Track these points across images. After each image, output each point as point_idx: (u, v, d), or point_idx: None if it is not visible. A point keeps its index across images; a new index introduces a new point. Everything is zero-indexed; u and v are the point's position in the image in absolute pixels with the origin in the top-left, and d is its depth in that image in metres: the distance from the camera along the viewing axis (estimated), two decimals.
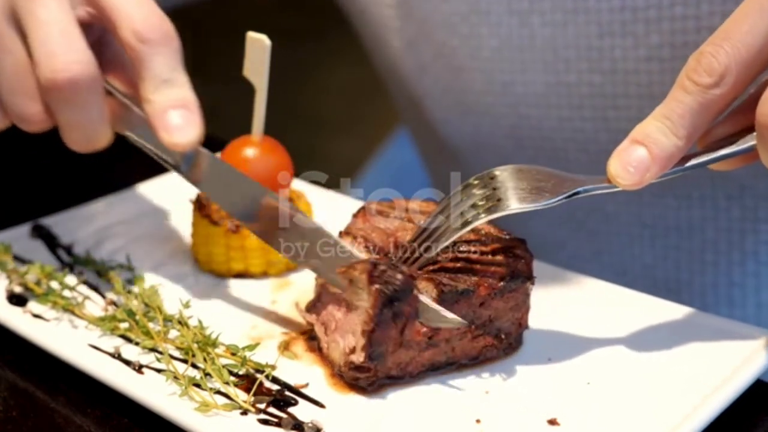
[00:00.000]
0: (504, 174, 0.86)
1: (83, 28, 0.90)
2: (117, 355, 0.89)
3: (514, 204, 0.84)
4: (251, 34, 1.01)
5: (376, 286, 0.83)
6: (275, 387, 0.86)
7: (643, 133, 0.81)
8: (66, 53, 0.85)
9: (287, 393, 0.85)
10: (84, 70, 0.85)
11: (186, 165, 0.94)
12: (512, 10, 1.13)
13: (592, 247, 1.26)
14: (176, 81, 0.88)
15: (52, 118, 0.89)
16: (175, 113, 0.88)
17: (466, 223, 0.85)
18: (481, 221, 0.85)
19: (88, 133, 0.89)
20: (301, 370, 0.89)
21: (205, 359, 0.87)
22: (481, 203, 0.85)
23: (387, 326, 0.84)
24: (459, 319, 0.85)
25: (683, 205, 1.18)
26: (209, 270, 1.05)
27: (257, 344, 0.90)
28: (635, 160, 0.81)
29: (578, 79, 1.14)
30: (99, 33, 0.94)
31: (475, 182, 0.87)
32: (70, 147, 0.91)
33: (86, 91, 0.86)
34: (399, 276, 0.84)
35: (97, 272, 1.02)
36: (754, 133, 0.80)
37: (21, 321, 0.93)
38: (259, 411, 0.83)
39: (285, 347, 0.92)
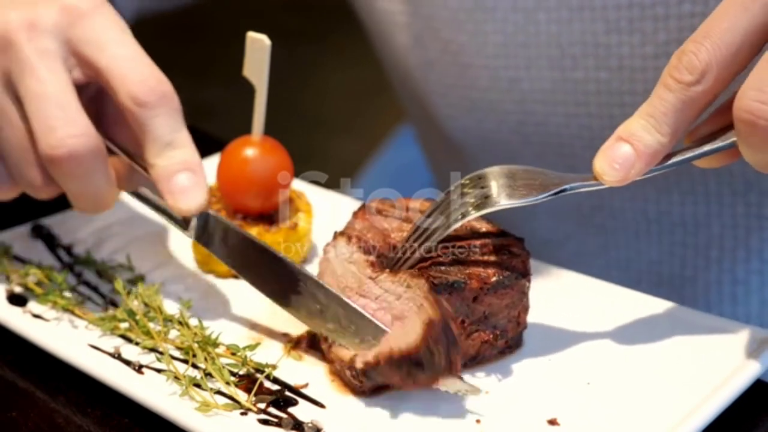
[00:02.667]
0: (493, 173, 0.87)
1: (82, 87, 0.90)
2: (117, 355, 0.89)
3: (503, 200, 0.85)
4: (251, 34, 1.01)
5: (427, 344, 0.81)
6: (275, 387, 0.86)
7: (627, 131, 0.82)
8: (63, 127, 0.85)
9: (287, 393, 0.85)
10: (83, 143, 0.85)
11: (194, 227, 0.92)
12: (517, 7, 1.14)
13: (598, 243, 1.27)
14: (179, 142, 0.88)
15: (56, 187, 0.90)
16: (180, 177, 0.88)
17: (456, 220, 0.86)
18: (471, 217, 0.86)
19: (95, 199, 0.90)
20: (301, 370, 0.89)
21: (205, 359, 0.88)
22: (471, 201, 0.86)
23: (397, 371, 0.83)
24: (477, 387, 0.84)
25: (688, 201, 1.19)
26: (209, 270, 1.05)
27: (257, 344, 0.90)
28: (620, 156, 0.82)
29: (585, 76, 1.14)
30: (99, 88, 0.93)
31: (467, 182, 0.88)
32: (80, 211, 0.92)
33: (87, 162, 0.86)
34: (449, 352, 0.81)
35: (97, 272, 1.02)
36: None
37: (21, 321, 0.93)
38: (259, 411, 0.83)
39: (291, 348, 0.92)
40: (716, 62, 0.79)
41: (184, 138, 0.89)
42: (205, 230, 0.92)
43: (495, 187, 0.86)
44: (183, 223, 0.93)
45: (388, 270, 0.88)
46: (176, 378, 0.85)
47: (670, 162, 0.84)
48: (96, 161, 0.87)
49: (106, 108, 0.95)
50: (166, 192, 0.88)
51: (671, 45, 1.08)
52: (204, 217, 0.92)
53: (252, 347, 0.89)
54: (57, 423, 0.86)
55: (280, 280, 0.89)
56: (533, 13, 1.14)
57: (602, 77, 1.14)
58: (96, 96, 0.95)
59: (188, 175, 0.88)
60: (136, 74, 0.87)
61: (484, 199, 0.85)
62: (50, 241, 1.08)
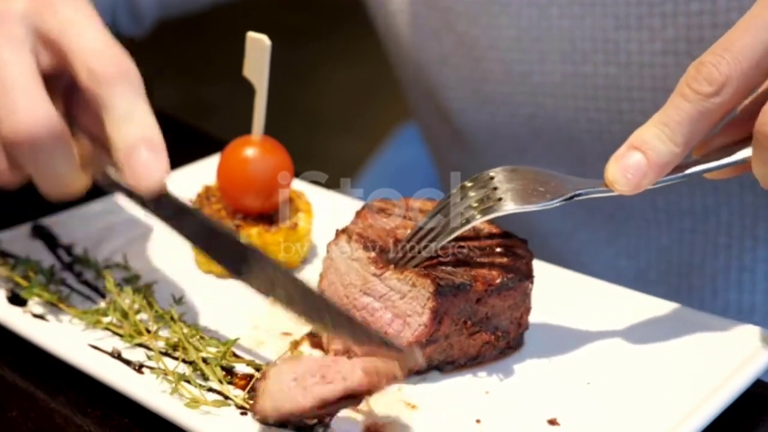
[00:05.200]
0: (501, 175, 0.87)
1: (54, 78, 0.90)
2: (117, 355, 0.89)
3: (510, 205, 0.84)
4: (251, 34, 1.01)
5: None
6: None
7: (640, 140, 0.83)
8: (24, 111, 0.85)
9: None
10: (43, 126, 0.85)
11: (155, 205, 0.92)
12: (531, 2, 1.17)
13: (608, 231, 1.28)
14: (137, 117, 0.87)
15: (21, 172, 0.89)
16: (139, 152, 0.87)
17: (465, 222, 0.86)
18: (479, 221, 0.85)
19: (59, 182, 0.90)
20: None
21: (198, 356, 0.87)
22: (475, 205, 0.86)
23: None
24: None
25: (697, 192, 1.20)
26: (209, 271, 1.05)
27: (236, 339, 0.89)
28: (632, 166, 0.83)
29: (594, 71, 1.16)
30: (70, 78, 0.93)
31: (470, 184, 0.88)
32: (45, 196, 0.91)
33: (48, 145, 0.86)
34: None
35: (96, 272, 1.02)
36: (749, 146, 0.81)
37: (21, 321, 0.93)
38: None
39: (294, 347, 0.92)
40: (736, 76, 0.79)
41: (143, 113, 0.88)
42: (165, 208, 0.92)
43: (504, 191, 0.85)
44: (146, 201, 0.91)
45: (392, 267, 0.88)
46: (166, 375, 0.85)
47: (682, 173, 0.84)
48: (57, 144, 0.87)
49: (76, 98, 0.95)
50: (126, 167, 0.87)
51: (679, 42, 1.10)
52: (164, 196, 0.90)
53: (232, 342, 0.89)
54: (57, 423, 0.86)
55: (234, 256, 0.89)
56: (546, 8, 1.16)
57: (611, 72, 1.15)
58: (67, 88, 0.95)
59: (147, 151, 0.87)
60: (96, 51, 0.87)
61: (496, 202, 0.85)
62: (50, 241, 1.08)
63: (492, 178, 0.87)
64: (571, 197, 0.85)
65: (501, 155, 1.29)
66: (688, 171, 0.84)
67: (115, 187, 0.94)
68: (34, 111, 0.86)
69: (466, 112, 1.29)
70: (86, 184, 0.93)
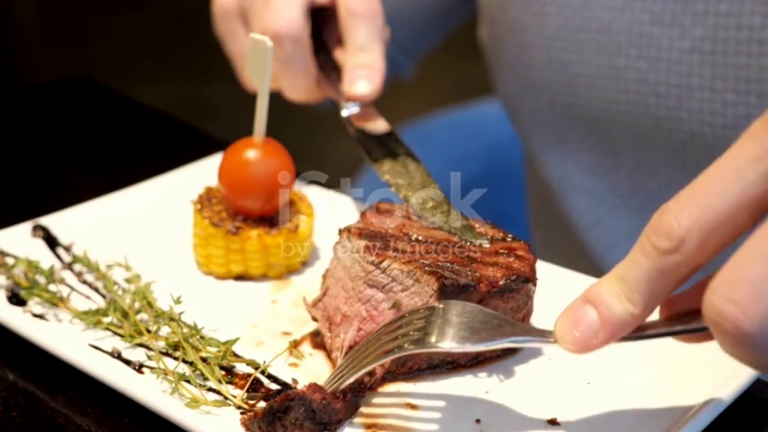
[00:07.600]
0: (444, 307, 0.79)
1: (323, 12, 1.17)
2: (117, 355, 0.89)
3: (445, 342, 0.76)
4: (254, 36, 1.01)
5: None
6: (275, 386, 0.86)
7: (595, 294, 0.73)
8: (280, 13, 1.11)
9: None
10: (287, 27, 1.11)
11: (348, 111, 1.13)
12: None
13: (630, 225, 1.30)
14: (370, 49, 1.13)
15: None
16: (359, 71, 1.11)
17: (387, 353, 0.79)
18: (408, 353, 0.79)
19: (293, 81, 1.15)
20: (303, 369, 0.89)
21: (198, 356, 0.87)
22: (408, 335, 0.79)
23: None
24: None
25: None
26: (208, 271, 1.05)
27: (237, 339, 0.90)
28: (582, 322, 0.73)
29: (626, 64, 1.21)
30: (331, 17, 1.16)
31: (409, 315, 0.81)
32: (286, 96, 1.18)
33: (288, 43, 1.11)
34: None
35: (96, 272, 1.02)
36: None
37: (21, 321, 0.93)
38: (250, 408, 0.83)
39: (294, 346, 0.92)
40: (698, 230, 0.68)
41: (376, 47, 1.12)
42: (355, 119, 1.14)
43: (441, 323, 0.78)
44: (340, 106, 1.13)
45: (391, 256, 0.88)
46: (166, 375, 0.85)
47: (639, 335, 0.74)
48: (295, 45, 1.12)
49: (334, 32, 1.19)
50: (344, 79, 1.12)
51: (705, 42, 1.13)
52: (360, 108, 1.13)
53: (232, 342, 0.89)
54: (57, 423, 0.86)
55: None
56: (590, 0, 1.21)
57: (641, 67, 1.19)
58: (332, 25, 1.19)
59: (366, 72, 1.11)
60: None
61: (424, 335, 0.78)
62: (50, 241, 1.08)
63: (435, 309, 0.79)
64: (506, 343, 0.77)
65: (542, 142, 1.34)
66: (647, 332, 0.74)
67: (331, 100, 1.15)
68: (286, 17, 1.10)
69: (512, 96, 1.35)
70: (315, 98, 1.18)
